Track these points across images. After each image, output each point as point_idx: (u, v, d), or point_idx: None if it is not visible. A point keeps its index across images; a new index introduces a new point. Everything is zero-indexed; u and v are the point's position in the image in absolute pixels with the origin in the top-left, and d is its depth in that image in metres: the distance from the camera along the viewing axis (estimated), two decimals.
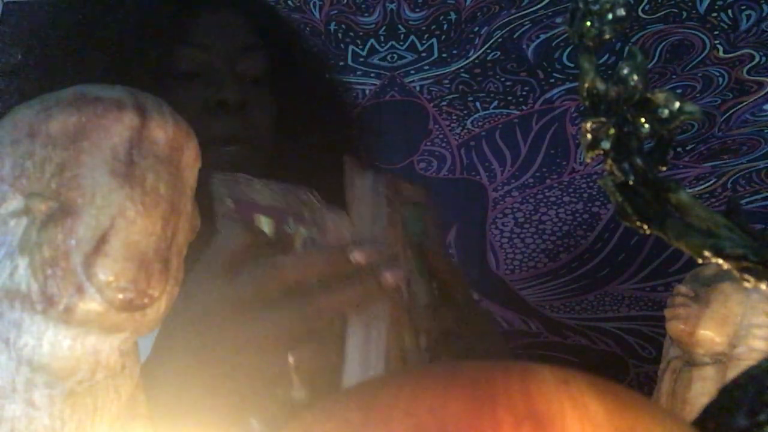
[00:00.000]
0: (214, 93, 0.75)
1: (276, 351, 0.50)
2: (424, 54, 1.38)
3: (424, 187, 0.70)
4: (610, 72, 0.29)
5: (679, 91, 1.29)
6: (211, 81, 0.76)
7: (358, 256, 0.53)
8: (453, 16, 1.37)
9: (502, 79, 1.36)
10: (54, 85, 0.67)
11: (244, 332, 0.50)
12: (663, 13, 1.31)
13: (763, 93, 1.28)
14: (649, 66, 1.29)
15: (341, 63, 1.39)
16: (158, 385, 0.45)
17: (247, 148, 0.78)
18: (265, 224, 0.56)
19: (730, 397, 0.31)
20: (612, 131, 0.30)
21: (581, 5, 0.30)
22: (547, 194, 1.35)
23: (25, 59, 0.76)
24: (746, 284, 0.29)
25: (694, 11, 1.30)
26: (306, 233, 0.57)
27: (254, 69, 0.80)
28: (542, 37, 1.35)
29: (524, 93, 1.35)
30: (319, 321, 0.51)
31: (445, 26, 1.37)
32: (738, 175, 1.29)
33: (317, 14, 1.39)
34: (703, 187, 1.30)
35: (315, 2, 1.39)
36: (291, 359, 0.51)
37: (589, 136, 0.30)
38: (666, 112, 0.28)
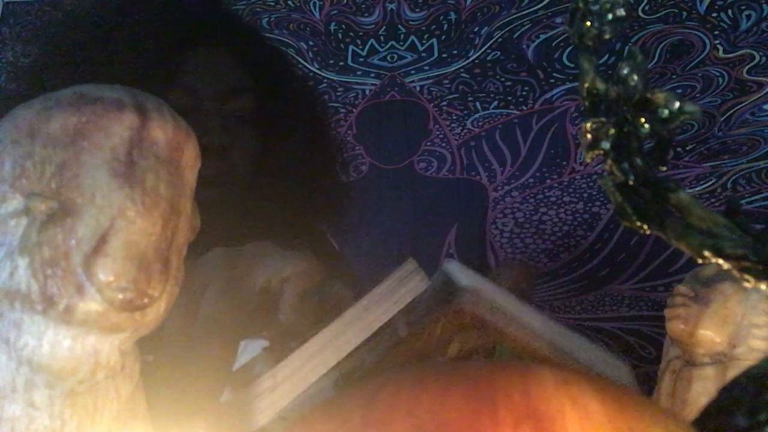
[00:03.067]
0: (199, 136, 0.75)
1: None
2: (424, 54, 1.38)
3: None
4: (610, 72, 0.29)
5: (679, 91, 1.29)
6: (197, 123, 0.75)
7: None
8: (453, 16, 1.37)
9: (502, 79, 1.36)
10: (54, 85, 0.67)
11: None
12: (663, 13, 1.31)
13: (763, 93, 1.28)
14: (649, 66, 1.29)
15: (341, 63, 1.39)
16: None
17: (223, 190, 0.77)
18: None
19: (730, 397, 0.31)
20: (612, 131, 0.30)
21: (581, 5, 0.30)
22: (547, 194, 1.35)
23: (25, 59, 0.76)
24: (746, 284, 0.29)
25: (694, 11, 1.30)
26: None
27: (242, 109, 0.80)
28: (542, 37, 1.35)
29: (524, 93, 1.35)
30: None
31: (445, 26, 1.37)
32: (738, 175, 1.29)
33: (317, 14, 1.39)
34: (703, 187, 1.30)
35: (315, 2, 1.39)
36: None
37: (589, 136, 0.30)
38: (666, 112, 0.28)
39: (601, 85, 0.30)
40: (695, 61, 1.30)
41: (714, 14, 1.30)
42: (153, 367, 0.47)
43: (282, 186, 0.82)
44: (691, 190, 1.27)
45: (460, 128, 1.37)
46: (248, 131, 0.80)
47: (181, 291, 0.49)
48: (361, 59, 1.39)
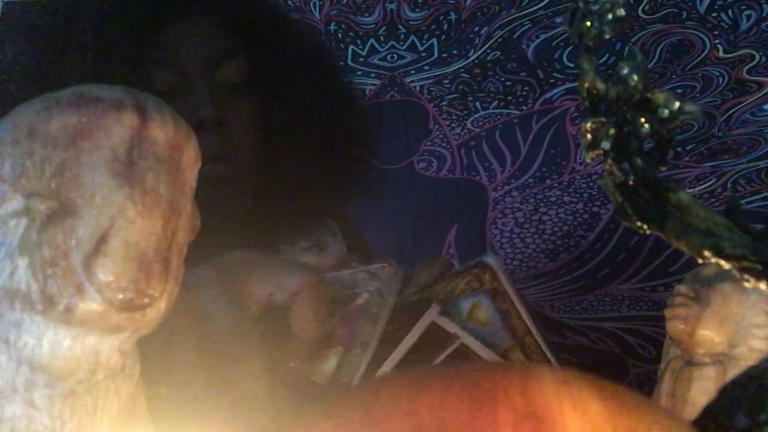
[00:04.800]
0: (190, 113, 0.69)
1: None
2: (424, 54, 1.38)
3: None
4: (610, 72, 0.29)
5: (679, 91, 1.29)
6: (187, 99, 0.70)
7: None
8: (453, 16, 1.37)
9: (502, 79, 1.36)
10: (53, 85, 0.66)
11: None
12: (663, 13, 1.31)
13: (763, 93, 1.28)
14: (649, 66, 1.29)
15: (341, 63, 1.39)
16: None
17: (229, 166, 0.72)
18: None
19: (730, 397, 0.31)
20: (612, 131, 0.30)
21: (581, 5, 0.30)
22: (547, 194, 1.35)
23: (25, 59, 0.75)
24: (746, 284, 0.29)
25: (694, 11, 1.30)
26: None
27: (235, 76, 0.74)
28: (542, 37, 1.35)
29: (524, 93, 1.35)
30: None
31: (445, 26, 1.37)
32: (738, 175, 1.29)
33: (317, 14, 1.39)
34: (703, 187, 1.30)
35: (315, 2, 1.39)
36: None
37: (589, 136, 0.30)
38: (666, 112, 0.28)
39: (601, 85, 0.30)
40: (695, 61, 1.30)
41: (714, 14, 1.30)
42: (169, 398, 0.47)
43: (297, 160, 0.76)
44: (691, 190, 1.27)
45: (460, 128, 1.37)
46: (246, 100, 0.75)
47: (185, 318, 0.48)
48: (361, 59, 1.39)
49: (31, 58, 0.71)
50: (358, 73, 1.39)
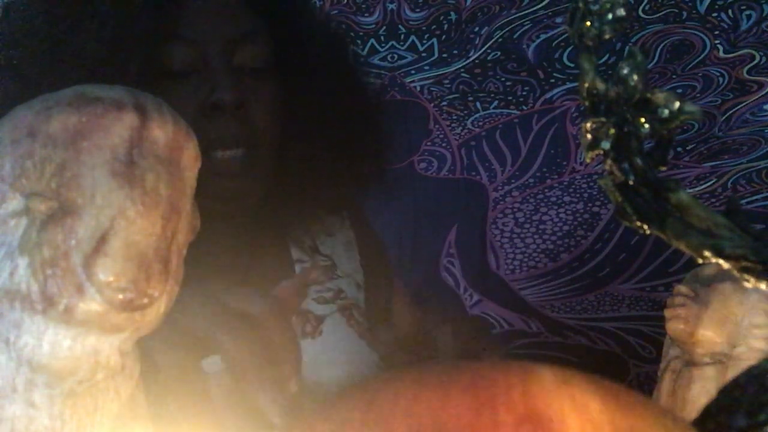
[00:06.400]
0: (207, 94, 0.68)
1: None
2: (424, 54, 1.38)
3: None
4: (610, 72, 0.29)
5: (679, 91, 1.29)
6: (205, 79, 0.69)
7: None
8: (453, 16, 1.37)
9: (503, 79, 1.36)
10: (68, 60, 0.66)
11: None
12: (663, 13, 1.31)
13: (763, 93, 1.28)
14: (649, 66, 1.29)
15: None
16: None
17: (249, 151, 0.70)
18: None
19: (730, 397, 0.31)
20: (612, 131, 0.30)
21: (581, 5, 0.30)
22: (547, 194, 1.35)
23: (40, 31, 0.72)
24: (746, 284, 0.29)
25: (694, 11, 1.30)
26: None
27: (255, 58, 0.71)
28: (542, 37, 1.35)
29: (524, 93, 1.35)
30: None
31: (446, 26, 1.37)
32: (738, 175, 1.29)
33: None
34: (703, 187, 1.30)
35: (315, 2, 1.39)
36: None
37: (589, 136, 0.30)
38: (666, 112, 0.28)
39: (601, 85, 0.30)
40: (695, 61, 1.30)
41: (714, 14, 1.30)
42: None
43: (314, 147, 0.74)
44: (691, 190, 1.27)
45: (461, 128, 1.37)
46: (266, 83, 0.72)
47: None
48: (362, 59, 1.39)
49: (46, 30, 0.68)
50: None
